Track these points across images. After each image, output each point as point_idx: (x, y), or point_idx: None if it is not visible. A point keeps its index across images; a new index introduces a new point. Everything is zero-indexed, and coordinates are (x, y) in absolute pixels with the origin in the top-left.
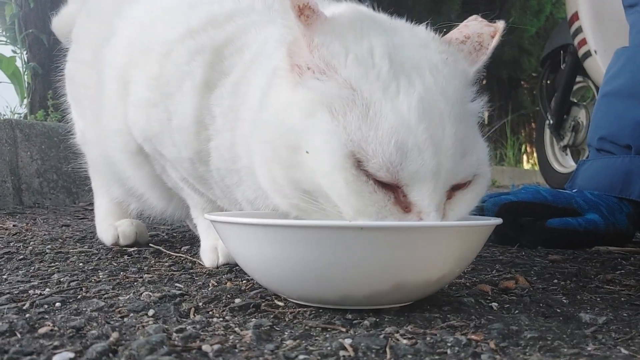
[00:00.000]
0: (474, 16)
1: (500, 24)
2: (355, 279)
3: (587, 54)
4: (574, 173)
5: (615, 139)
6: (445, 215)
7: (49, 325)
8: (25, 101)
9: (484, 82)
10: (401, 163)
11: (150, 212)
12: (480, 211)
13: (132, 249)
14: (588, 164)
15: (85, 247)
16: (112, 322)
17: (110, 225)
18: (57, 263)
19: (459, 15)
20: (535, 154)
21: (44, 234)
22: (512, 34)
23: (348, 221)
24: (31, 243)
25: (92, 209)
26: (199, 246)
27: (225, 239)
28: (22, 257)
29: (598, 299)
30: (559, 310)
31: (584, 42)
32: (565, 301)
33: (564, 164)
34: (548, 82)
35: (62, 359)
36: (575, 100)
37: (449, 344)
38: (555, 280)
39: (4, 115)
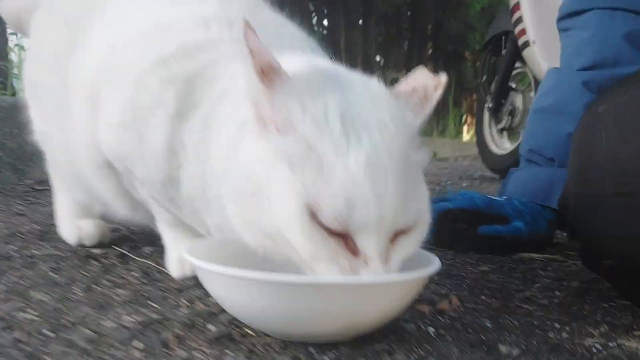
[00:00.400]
0: (421, 66)
1: (443, 77)
2: (313, 322)
3: (526, 44)
4: (505, 180)
5: (541, 151)
6: (390, 259)
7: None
8: None
9: (430, 52)
10: (349, 216)
11: (114, 217)
12: None
13: (97, 251)
14: (517, 173)
15: (50, 247)
16: (105, 358)
17: (73, 225)
18: (28, 272)
19: None
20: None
21: (2, 227)
22: (458, 10)
23: (304, 273)
24: None
25: (41, 190)
26: (162, 248)
27: (200, 278)
28: None
29: (517, 324)
30: (484, 338)
31: (523, 32)
32: (489, 326)
33: (501, 146)
34: (489, 65)
35: None
36: (514, 86)
37: None
38: (483, 297)
39: None
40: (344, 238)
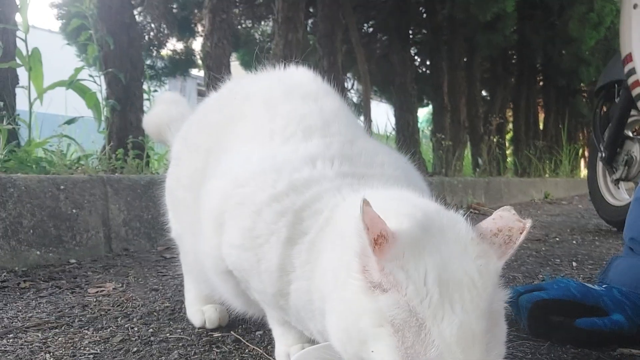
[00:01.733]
0: (507, 207)
1: (528, 222)
2: None
3: None
4: (606, 267)
5: None
6: None
7: None
8: (102, 127)
9: (541, 84)
10: None
11: (232, 310)
12: (516, 305)
13: (217, 334)
14: (619, 260)
15: (179, 331)
16: None
17: (198, 310)
18: (163, 358)
19: (515, 31)
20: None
21: (140, 305)
22: (570, 46)
23: None
24: (134, 320)
25: (170, 258)
26: (271, 333)
27: None
28: (135, 349)
29: None
30: None
31: (637, 83)
32: None
33: (617, 196)
34: (601, 114)
35: None
36: (630, 134)
37: None
38: None
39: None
40: None
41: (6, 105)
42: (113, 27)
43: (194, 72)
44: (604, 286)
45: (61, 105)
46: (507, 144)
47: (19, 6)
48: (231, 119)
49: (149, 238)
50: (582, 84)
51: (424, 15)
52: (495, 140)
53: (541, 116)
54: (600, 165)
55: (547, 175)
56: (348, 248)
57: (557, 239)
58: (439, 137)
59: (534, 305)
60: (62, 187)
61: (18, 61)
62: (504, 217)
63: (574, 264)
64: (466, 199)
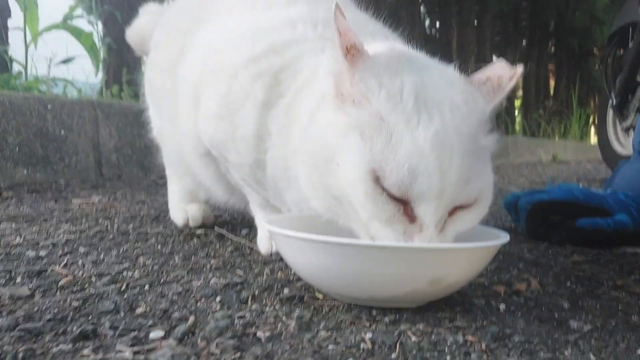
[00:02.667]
0: (501, 59)
1: (520, 68)
2: (377, 285)
3: None
4: (613, 173)
5: None
6: (445, 229)
7: (142, 306)
8: (100, 74)
9: (552, 49)
10: (411, 184)
11: (215, 200)
12: (514, 208)
13: (200, 231)
14: (627, 166)
15: (161, 227)
16: (189, 307)
17: (181, 209)
18: (139, 244)
19: None
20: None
21: (125, 211)
22: (583, 3)
23: (369, 237)
24: (116, 221)
25: (162, 184)
26: (256, 231)
27: (276, 243)
28: (111, 236)
29: (597, 306)
30: (556, 316)
31: None
32: (566, 307)
33: (626, 145)
34: (614, 59)
35: (156, 336)
36: None
37: (448, 343)
38: (568, 284)
39: (83, 91)
40: (404, 204)
41: None
42: None
43: None
44: (609, 191)
45: (62, 48)
46: (516, 109)
47: None
48: None
49: (141, 167)
50: (594, 47)
51: None
52: (503, 105)
53: (552, 80)
54: (610, 114)
55: (557, 138)
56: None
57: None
58: None
59: (534, 205)
60: (49, 106)
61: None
62: (494, 67)
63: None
64: None
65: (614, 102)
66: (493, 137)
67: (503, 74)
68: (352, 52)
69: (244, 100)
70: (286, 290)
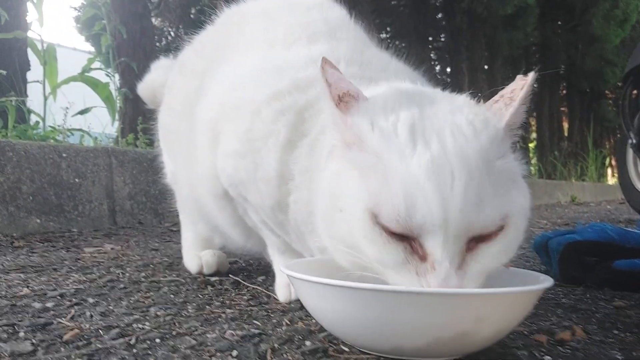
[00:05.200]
0: (519, 76)
1: (531, 75)
2: (401, 335)
3: None
4: None
5: None
6: (466, 266)
7: None
8: (116, 124)
9: (564, 92)
10: (409, 215)
11: (231, 246)
12: (545, 250)
13: (214, 279)
14: None
15: (174, 275)
16: None
17: (195, 255)
18: (151, 293)
19: (535, 27)
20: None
21: (138, 259)
22: (594, 45)
23: (393, 285)
24: (128, 269)
25: (176, 230)
26: (273, 277)
27: (296, 290)
28: (122, 285)
29: None
30: None
31: None
32: (619, 357)
33: None
34: (630, 99)
35: None
36: None
37: None
38: (615, 331)
39: (100, 140)
40: (410, 242)
41: (11, 80)
42: (126, 17)
43: None
44: None
45: (79, 99)
46: (530, 154)
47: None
48: (229, 37)
49: (156, 214)
50: (606, 90)
51: (442, 18)
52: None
53: (565, 124)
54: (630, 153)
55: (573, 179)
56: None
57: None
58: None
59: (567, 247)
60: (64, 154)
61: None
62: (507, 86)
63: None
64: None
65: (634, 141)
66: (512, 156)
67: (515, 87)
68: (345, 99)
69: (267, 138)
70: (308, 343)
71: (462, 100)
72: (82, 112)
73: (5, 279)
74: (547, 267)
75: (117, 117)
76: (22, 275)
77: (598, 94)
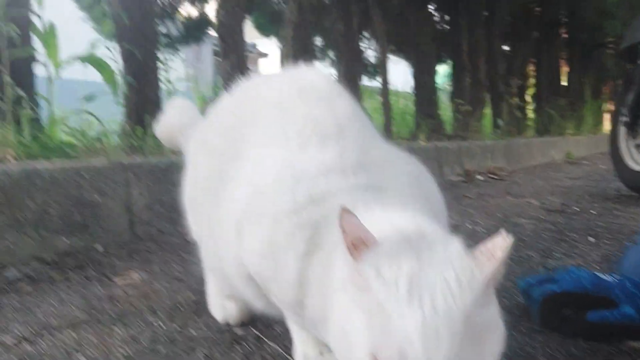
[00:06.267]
0: (502, 233)
1: (509, 239)
2: None
3: None
4: (622, 255)
5: None
6: None
7: None
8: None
9: (564, 39)
10: None
11: (253, 308)
12: (527, 296)
13: (239, 332)
14: (634, 249)
15: (203, 326)
16: None
17: (220, 306)
18: (186, 356)
19: None
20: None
21: (166, 298)
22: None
23: None
24: (161, 315)
25: (190, 242)
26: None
27: None
28: (161, 346)
29: None
30: None
31: None
32: None
33: (638, 161)
34: (625, 76)
35: None
36: None
37: None
38: None
39: (106, 128)
40: None
41: (26, 91)
42: (126, 1)
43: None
44: (616, 276)
45: (78, 70)
46: (529, 102)
47: None
48: (246, 121)
49: (171, 220)
50: (607, 38)
51: None
52: (515, 100)
53: (564, 72)
54: (622, 129)
55: (569, 132)
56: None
57: (576, 208)
58: (457, 102)
59: (546, 299)
60: (85, 175)
61: (34, 38)
62: (493, 238)
63: (591, 239)
64: (485, 164)
65: (626, 119)
66: (493, 307)
67: (497, 244)
68: (356, 244)
69: (287, 249)
70: None
71: (454, 248)
72: (87, 99)
73: (60, 340)
74: (531, 311)
75: (122, 101)
76: (74, 334)
77: (598, 44)
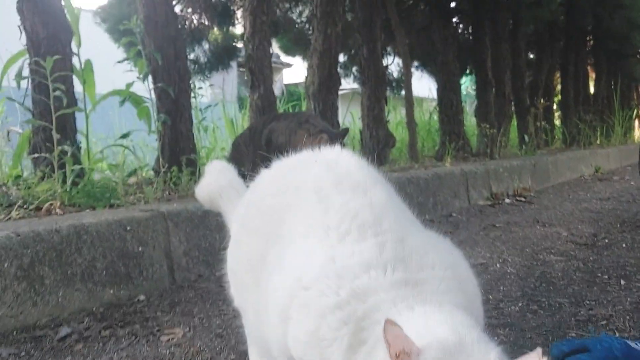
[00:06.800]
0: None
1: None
2: None
3: None
4: None
5: None
6: None
7: None
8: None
9: (591, 47)
10: None
11: None
12: None
13: None
14: None
15: None
16: None
17: None
18: None
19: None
20: None
21: (209, 359)
22: (622, 8)
23: None
24: None
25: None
26: None
27: None
28: None
29: None
30: None
31: None
32: None
33: None
34: None
35: None
36: None
37: None
38: None
39: (142, 159)
40: None
41: (69, 141)
42: (160, 41)
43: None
44: None
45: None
46: (556, 110)
47: (70, 20)
48: (286, 207)
49: (207, 264)
50: (634, 49)
51: None
52: (541, 110)
53: (591, 81)
54: None
55: (597, 142)
56: None
57: (606, 240)
58: (483, 126)
59: None
60: (128, 227)
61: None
62: (528, 356)
63: (622, 282)
64: (512, 185)
65: None
66: None
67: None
68: (400, 357)
69: (332, 341)
70: None
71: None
72: (123, 136)
73: None
74: None
75: (154, 131)
76: None
77: (626, 54)
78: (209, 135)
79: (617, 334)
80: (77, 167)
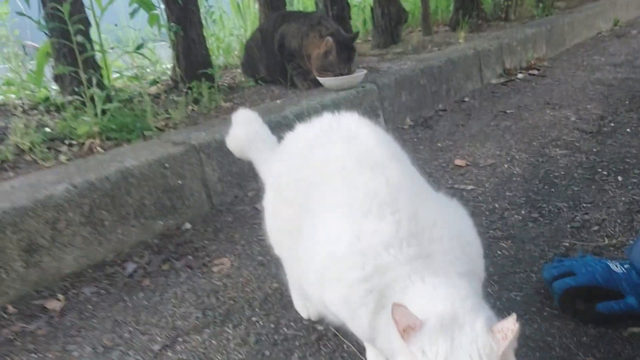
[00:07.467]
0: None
1: (516, 326)
2: None
3: None
4: (634, 242)
5: None
6: None
7: None
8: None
9: None
10: None
11: None
12: (551, 287)
13: (320, 327)
14: None
15: (292, 324)
16: None
17: (303, 305)
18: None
19: None
20: None
21: (256, 288)
22: None
23: None
24: (256, 309)
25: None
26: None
27: None
28: (266, 351)
29: None
30: None
31: None
32: None
33: None
34: None
35: None
36: None
37: None
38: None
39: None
40: None
41: (95, 71)
42: None
43: None
44: (625, 267)
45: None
46: None
47: None
48: (313, 183)
49: (240, 187)
50: None
51: None
52: None
53: None
54: None
55: None
56: None
57: (612, 124)
58: None
59: (564, 292)
60: (166, 165)
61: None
62: (507, 321)
63: (620, 178)
64: (525, 57)
65: None
66: None
67: (509, 327)
68: (407, 331)
69: (360, 305)
70: None
71: (479, 328)
72: (138, 48)
73: (191, 346)
74: (553, 296)
75: (169, 45)
76: (199, 338)
77: None
78: (217, 24)
79: (607, 241)
80: (104, 93)
